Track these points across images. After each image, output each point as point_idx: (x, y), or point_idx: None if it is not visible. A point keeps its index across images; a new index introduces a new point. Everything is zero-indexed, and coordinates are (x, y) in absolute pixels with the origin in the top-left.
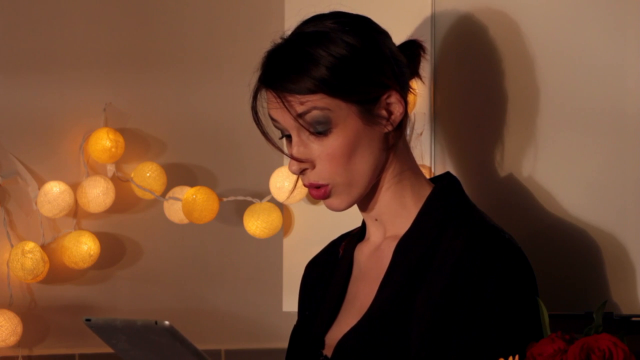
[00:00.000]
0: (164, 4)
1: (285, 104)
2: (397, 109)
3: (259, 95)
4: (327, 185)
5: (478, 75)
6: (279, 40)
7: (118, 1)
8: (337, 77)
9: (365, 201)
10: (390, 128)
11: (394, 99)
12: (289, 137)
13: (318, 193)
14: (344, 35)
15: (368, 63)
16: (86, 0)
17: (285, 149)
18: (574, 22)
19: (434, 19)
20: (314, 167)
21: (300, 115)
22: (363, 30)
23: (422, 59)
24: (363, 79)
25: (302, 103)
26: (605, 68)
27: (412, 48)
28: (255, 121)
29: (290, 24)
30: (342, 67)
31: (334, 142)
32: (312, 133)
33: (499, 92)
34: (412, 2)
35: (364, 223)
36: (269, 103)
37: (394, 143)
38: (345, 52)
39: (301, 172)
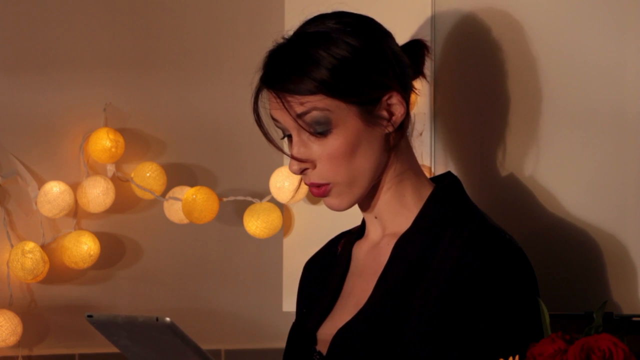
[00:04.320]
0: (164, 4)
1: (285, 104)
2: (398, 110)
3: (260, 95)
4: (327, 184)
5: (478, 75)
6: (281, 40)
7: (118, 1)
8: (338, 79)
9: (365, 200)
10: (391, 129)
11: (395, 100)
12: (290, 137)
13: (318, 191)
14: (346, 36)
15: (369, 64)
16: (86, 0)
17: (287, 149)
18: (575, 22)
19: (434, 18)
20: (314, 167)
21: (300, 116)
22: (365, 31)
23: (426, 58)
24: (363, 81)
25: (301, 104)
26: (605, 68)
27: (416, 48)
28: (256, 121)
29: (290, 24)
30: (343, 68)
31: (334, 143)
32: (312, 134)
33: (499, 91)
34: (412, 2)
35: (363, 221)
36: (270, 103)
37: (395, 144)
38: (346, 53)
39: (302, 172)
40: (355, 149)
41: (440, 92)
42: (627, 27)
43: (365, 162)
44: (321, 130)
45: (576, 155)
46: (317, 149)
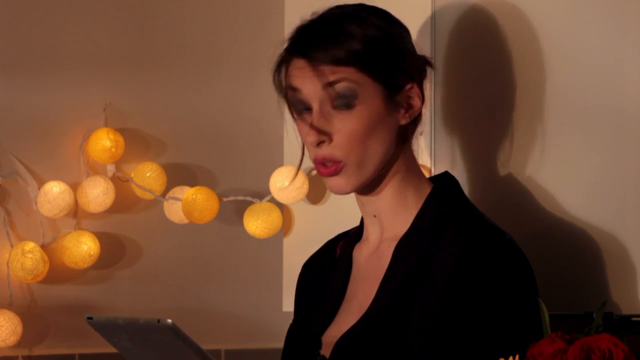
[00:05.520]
0: (164, 4)
1: (316, 72)
2: (416, 103)
3: (277, 73)
4: (340, 162)
5: (478, 74)
6: (309, 17)
7: (118, 1)
8: (371, 53)
9: (367, 194)
10: (406, 120)
11: (414, 92)
12: (307, 111)
13: (328, 170)
14: (375, 19)
15: (398, 49)
16: (86, 0)
17: (297, 136)
18: (575, 22)
19: (434, 17)
20: (331, 141)
21: (331, 84)
22: (391, 21)
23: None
24: (393, 63)
25: (333, 72)
26: (605, 67)
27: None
28: (279, 92)
29: (290, 24)
30: (376, 45)
31: (355, 119)
32: (334, 107)
33: (499, 91)
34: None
35: (361, 223)
36: (294, 72)
37: (406, 138)
38: (377, 33)
39: (318, 145)
40: (373, 130)
41: (440, 92)
42: (627, 27)
43: (378, 146)
44: (345, 102)
45: (576, 155)
46: (337, 122)
